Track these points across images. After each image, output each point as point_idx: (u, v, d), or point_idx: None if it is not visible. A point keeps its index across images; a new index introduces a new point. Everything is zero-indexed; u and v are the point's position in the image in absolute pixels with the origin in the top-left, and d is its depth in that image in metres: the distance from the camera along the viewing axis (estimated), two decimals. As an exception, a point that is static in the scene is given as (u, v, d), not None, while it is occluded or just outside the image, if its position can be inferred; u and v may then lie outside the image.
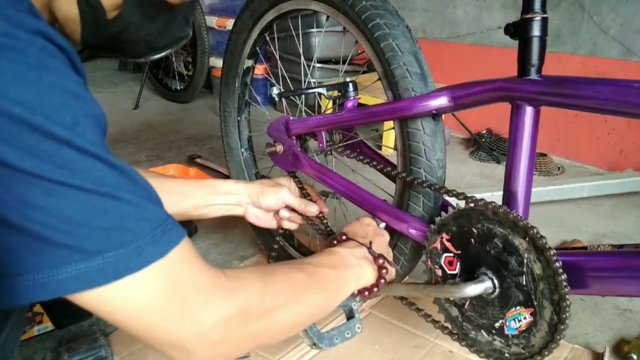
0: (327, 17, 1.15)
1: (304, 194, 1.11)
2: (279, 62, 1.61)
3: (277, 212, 1.08)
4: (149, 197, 0.49)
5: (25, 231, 0.42)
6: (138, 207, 0.47)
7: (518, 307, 0.83)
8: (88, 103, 0.46)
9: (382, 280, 0.82)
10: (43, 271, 0.43)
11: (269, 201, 1.02)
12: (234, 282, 0.56)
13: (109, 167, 0.46)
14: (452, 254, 0.91)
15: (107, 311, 0.47)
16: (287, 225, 1.09)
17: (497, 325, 0.86)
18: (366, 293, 0.82)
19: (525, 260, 0.80)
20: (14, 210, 0.42)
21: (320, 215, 1.09)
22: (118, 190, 0.46)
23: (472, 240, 0.87)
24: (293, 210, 1.06)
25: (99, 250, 0.44)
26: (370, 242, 0.85)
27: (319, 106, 1.94)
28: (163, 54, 0.75)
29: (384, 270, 0.82)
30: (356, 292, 0.80)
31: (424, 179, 0.99)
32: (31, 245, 0.43)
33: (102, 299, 0.46)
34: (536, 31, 0.82)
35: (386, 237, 0.94)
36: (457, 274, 0.91)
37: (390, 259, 0.95)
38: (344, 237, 0.87)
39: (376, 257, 0.82)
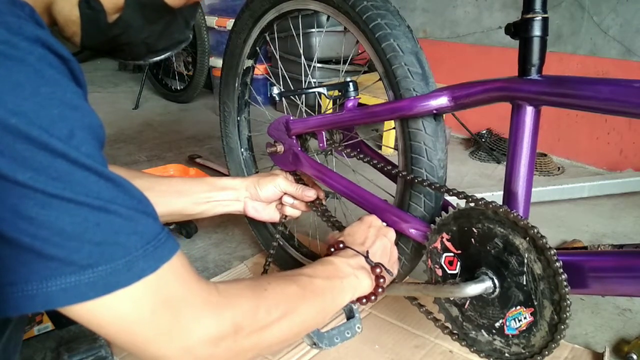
0: (328, 17, 1.15)
1: (300, 182, 1.13)
2: (279, 62, 1.61)
3: (277, 203, 1.08)
4: (143, 210, 0.48)
5: (16, 242, 0.42)
6: (131, 221, 0.47)
7: (518, 307, 0.83)
8: (85, 115, 0.46)
9: (380, 289, 0.81)
10: (32, 283, 0.43)
11: (266, 191, 1.04)
12: (226, 299, 0.56)
13: (104, 180, 0.46)
14: (452, 254, 0.91)
15: (96, 324, 0.47)
16: (289, 212, 1.09)
17: (497, 325, 0.86)
18: (364, 301, 0.81)
19: (525, 260, 0.80)
20: (6, 221, 0.42)
21: (318, 202, 1.10)
22: (111, 204, 0.45)
23: (473, 240, 0.87)
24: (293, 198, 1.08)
25: (90, 264, 0.44)
26: (367, 252, 0.84)
27: (319, 106, 1.94)
28: (163, 56, 0.75)
29: (381, 280, 0.81)
30: (355, 299, 0.80)
31: (425, 179, 0.99)
32: (22, 256, 0.43)
33: (91, 313, 0.46)
34: (537, 31, 0.82)
35: (390, 236, 0.94)
36: (457, 273, 0.91)
37: (395, 258, 0.94)
38: (340, 246, 0.86)
39: (373, 266, 0.82)
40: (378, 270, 0.81)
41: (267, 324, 0.60)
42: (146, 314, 0.48)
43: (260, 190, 1.03)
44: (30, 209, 0.42)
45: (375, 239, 0.89)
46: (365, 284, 0.80)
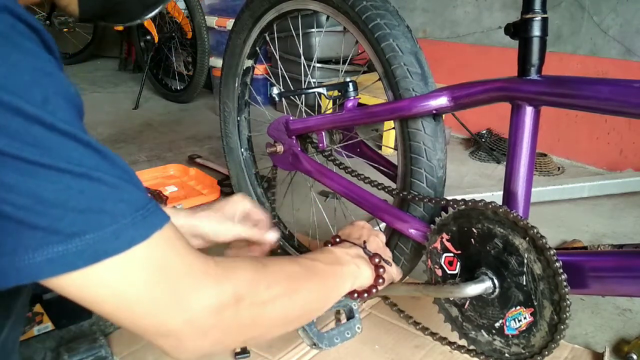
0: (328, 17, 1.15)
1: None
2: (279, 62, 1.61)
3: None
4: (128, 180, 0.47)
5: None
6: (117, 189, 0.45)
7: (518, 307, 0.83)
8: (60, 82, 0.45)
9: (381, 280, 0.81)
10: (18, 254, 0.42)
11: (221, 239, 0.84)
12: (225, 270, 0.54)
13: (84, 146, 0.44)
14: (452, 254, 0.91)
15: (87, 297, 0.46)
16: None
17: (497, 325, 0.86)
18: (365, 295, 0.81)
19: (525, 260, 0.80)
20: None
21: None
22: (94, 171, 0.44)
23: (472, 240, 0.87)
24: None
25: (76, 232, 0.43)
26: (365, 242, 0.84)
27: (319, 106, 1.94)
28: (156, 11, 0.75)
29: (381, 270, 0.81)
30: (356, 294, 0.80)
31: (425, 182, 0.99)
32: (5, 226, 0.42)
33: (80, 284, 0.44)
34: (536, 31, 0.82)
35: (381, 237, 0.93)
36: (457, 274, 0.91)
37: (389, 259, 0.94)
38: (337, 240, 0.86)
39: (371, 256, 0.81)
40: (377, 260, 0.80)
41: (268, 298, 0.58)
42: (140, 284, 0.46)
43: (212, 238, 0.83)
44: (9, 176, 0.41)
45: (369, 236, 0.89)
46: (365, 274, 0.79)
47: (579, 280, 0.79)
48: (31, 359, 1.08)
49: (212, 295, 0.51)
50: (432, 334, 0.97)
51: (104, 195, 0.44)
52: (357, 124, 1.13)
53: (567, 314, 0.77)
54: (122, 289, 0.46)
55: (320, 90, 1.19)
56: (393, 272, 0.87)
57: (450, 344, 0.94)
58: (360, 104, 1.12)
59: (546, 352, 0.81)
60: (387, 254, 0.90)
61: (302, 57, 1.73)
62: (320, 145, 1.19)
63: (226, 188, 1.93)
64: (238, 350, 1.08)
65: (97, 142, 0.45)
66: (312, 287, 0.68)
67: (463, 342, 0.93)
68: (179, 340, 0.50)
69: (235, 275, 0.55)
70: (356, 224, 0.92)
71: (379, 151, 1.51)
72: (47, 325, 1.13)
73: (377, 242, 0.89)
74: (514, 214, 0.80)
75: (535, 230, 0.78)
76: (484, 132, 2.56)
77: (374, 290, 0.80)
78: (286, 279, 0.63)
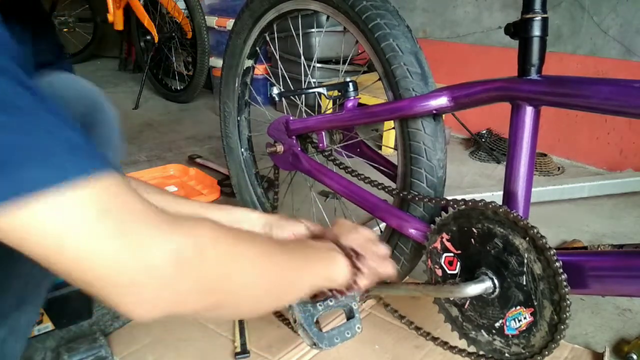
0: (328, 17, 1.15)
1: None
2: (279, 62, 1.61)
3: None
4: (65, 122, 0.43)
5: None
6: (51, 131, 0.41)
7: (518, 307, 0.83)
8: None
9: (360, 273, 0.78)
10: None
11: (283, 234, 0.92)
12: (184, 223, 0.49)
13: (17, 85, 0.41)
14: (452, 254, 0.91)
15: (19, 240, 0.41)
16: None
17: (497, 325, 0.86)
18: (349, 292, 0.79)
19: (525, 260, 0.80)
20: None
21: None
22: (25, 109, 0.40)
23: (472, 240, 0.87)
24: None
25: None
26: (338, 236, 0.81)
27: (319, 106, 1.94)
28: None
29: (356, 261, 0.78)
30: (331, 277, 0.76)
31: (425, 182, 0.99)
32: None
33: (12, 223, 0.40)
34: (536, 31, 0.82)
35: (365, 233, 0.88)
36: (457, 273, 0.91)
37: (377, 253, 0.87)
38: None
39: (344, 248, 0.78)
40: (351, 253, 0.79)
41: (232, 256, 0.54)
42: (86, 224, 0.42)
43: (276, 230, 0.92)
44: None
45: (349, 232, 0.86)
46: (340, 263, 0.76)
47: (579, 280, 0.79)
48: (31, 359, 1.08)
49: (171, 242, 0.46)
50: (434, 339, 0.97)
51: (35, 131, 0.41)
52: (357, 124, 1.13)
53: (567, 314, 0.77)
54: (60, 227, 0.41)
55: (320, 90, 1.19)
56: (374, 265, 0.82)
57: (452, 348, 0.94)
58: (360, 104, 1.12)
59: (546, 352, 0.81)
60: (369, 246, 0.86)
61: (302, 57, 1.73)
62: (320, 145, 1.19)
63: (226, 188, 1.93)
64: (238, 350, 1.08)
65: (35, 84, 0.42)
66: (279, 258, 0.64)
67: (464, 345, 0.93)
68: (138, 289, 0.45)
69: (196, 229, 0.50)
70: (337, 223, 0.90)
71: (379, 151, 1.51)
72: (47, 325, 1.13)
73: (356, 238, 0.85)
74: (514, 214, 0.80)
75: (535, 230, 0.78)
76: (484, 132, 2.56)
77: (356, 286, 0.78)
78: (251, 242, 0.59)
